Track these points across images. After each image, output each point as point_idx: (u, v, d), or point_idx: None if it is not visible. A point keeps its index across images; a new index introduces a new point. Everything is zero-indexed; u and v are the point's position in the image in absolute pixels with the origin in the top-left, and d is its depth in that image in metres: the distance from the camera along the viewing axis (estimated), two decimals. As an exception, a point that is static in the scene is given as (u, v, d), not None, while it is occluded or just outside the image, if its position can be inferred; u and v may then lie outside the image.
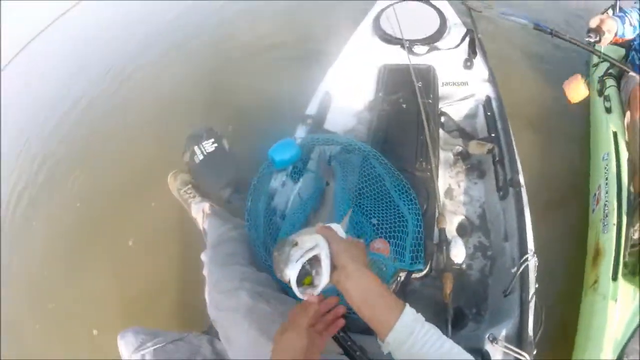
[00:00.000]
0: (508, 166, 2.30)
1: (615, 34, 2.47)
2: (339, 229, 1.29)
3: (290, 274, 1.10)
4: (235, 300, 1.60)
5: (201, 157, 2.39)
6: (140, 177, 3.28)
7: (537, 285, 1.83)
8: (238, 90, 3.87)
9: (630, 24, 2.52)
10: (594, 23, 2.42)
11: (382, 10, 3.11)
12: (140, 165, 3.38)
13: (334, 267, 1.13)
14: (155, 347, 1.56)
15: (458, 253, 1.94)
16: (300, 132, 2.47)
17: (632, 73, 2.95)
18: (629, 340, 1.99)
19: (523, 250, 1.92)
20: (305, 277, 1.14)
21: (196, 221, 2.34)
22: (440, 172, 2.46)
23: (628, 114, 2.81)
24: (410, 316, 1.06)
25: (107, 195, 3.29)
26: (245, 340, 1.52)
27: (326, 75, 2.84)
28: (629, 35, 2.57)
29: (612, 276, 2.16)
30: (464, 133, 2.60)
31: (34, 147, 4.03)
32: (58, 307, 2.69)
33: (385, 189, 2.01)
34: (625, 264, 2.30)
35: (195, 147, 2.42)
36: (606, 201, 2.51)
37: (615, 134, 2.79)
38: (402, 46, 2.75)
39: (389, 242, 1.81)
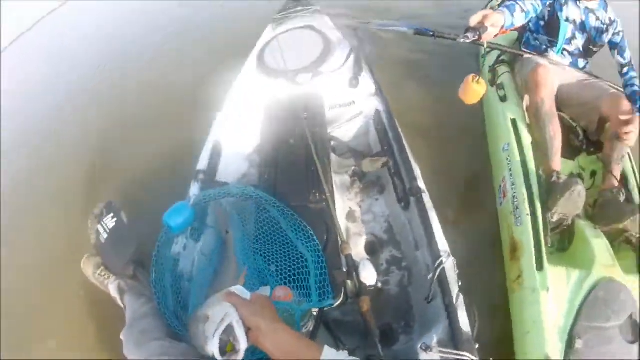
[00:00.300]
0: (405, 176, 2.31)
1: (503, 27, 2.44)
2: (241, 290, 1.30)
3: (212, 349, 1.14)
4: None
5: (105, 235, 2.30)
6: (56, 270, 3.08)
7: (460, 284, 1.85)
8: (127, 158, 3.80)
9: (522, 10, 2.55)
10: (474, 21, 2.31)
11: (266, 45, 3.12)
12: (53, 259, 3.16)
13: (248, 329, 1.16)
14: None
15: (368, 275, 1.91)
16: (194, 190, 2.40)
17: (527, 55, 3.10)
18: (575, 322, 2.01)
19: (435, 254, 1.95)
20: (227, 345, 1.15)
21: (116, 300, 2.27)
22: (339, 197, 2.45)
23: (527, 97, 2.90)
24: (330, 353, 1.09)
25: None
26: None
27: (214, 123, 2.78)
28: (520, 22, 2.58)
29: (537, 267, 2.16)
30: (355, 153, 2.61)
31: None
32: None
33: (282, 231, 1.98)
34: (552, 244, 2.39)
35: (99, 226, 2.34)
36: (514, 193, 2.53)
37: (514, 121, 2.83)
38: (286, 78, 2.75)
39: (291, 285, 1.78)
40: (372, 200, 2.57)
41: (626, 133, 2.52)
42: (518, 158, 2.63)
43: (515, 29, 3.06)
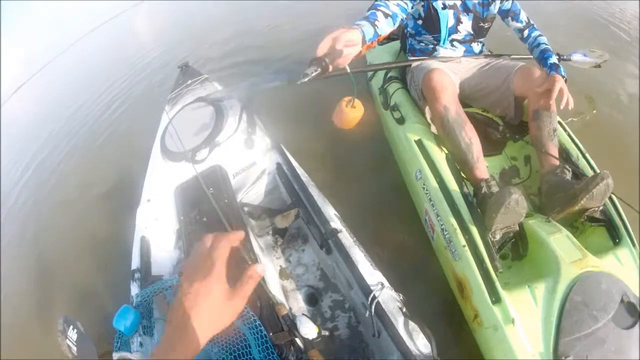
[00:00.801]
0: (318, 221, 2.33)
1: (365, 41, 2.07)
2: None
3: None
4: None
5: (75, 348, 2.30)
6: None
7: (404, 310, 1.88)
8: (68, 271, 3.80)
9: (386, 15, 2.29)
10: (322, 48, 1.86)
11: (165, 129, 3.13)
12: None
13: None
14: None
15: (307, 330, 1.92)
16: (134, 290, 2.42)
17: (414, 63, 2.92)
18: (556, 341, 1.81)
19: (366, 290, 1.97)
20: None
21: None
22: (266, 259, 2.48)
23: (427, 108, 2.65)
24: None
25: None
26: None
27: (136, 219, 2.77)
28: (388, 28, 2.29)
29: (493, 300, 1.96)
30: (270, 212, 2.63)
31: None
32: None
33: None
34: (505, 256, 2.28)
35: (67, 341, 2.34)
36: (442, 225, 2.31)
37: (419, 143, 2.64)
38: (186, 159, 2.75)
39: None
40: (299, 253, 2.60)
41: (551, 102, 2.35)
42: (435, 184, 2.40)
43: (395, 33, 3.05)
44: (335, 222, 2.31)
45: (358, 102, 2.11)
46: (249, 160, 2.82)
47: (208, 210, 2.47)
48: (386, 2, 2.37)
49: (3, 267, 3.97)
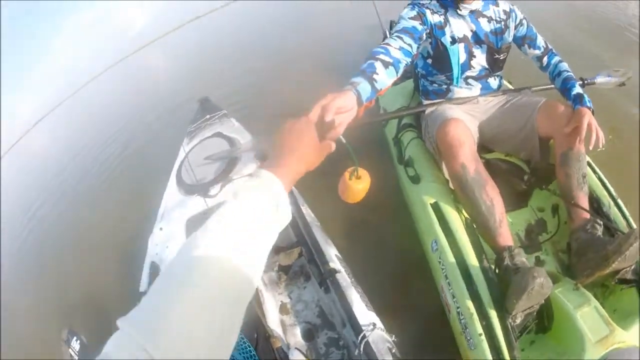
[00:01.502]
0: (319, 260, 2.40)
1: (361, 102, 1.62)
2: None
3: None
4: None
5: (77, 358, 2.42)
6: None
7: (393, 350, 1.92)
8: (73, 288, 3.98)
9: (387, 65, 1.90)
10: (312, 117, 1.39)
11: (182, 161, 3.24)
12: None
13: None
14: None
15: None
16: None
17: (429, 109, 2.62)
18: None
19: (357, 329, 2.02)
20: None
21: None
22: (269, 294, 2.54)
23: (444, 166, 2.43)
24: None
25: None
26: None
27: (148, 246, 2.85)
28: (389, 80, 1.91)
29: None
30: (275, 248, 2.54)
31: None
32: None
33: None
34: (528, 330, 2.03)
35: (70, 351, 2.44)
36: (458, 308, 2.09)
37: (435, 206, 2.39)
38: (200, 193, 2.83)
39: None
40: (301, 290, 2.64)
41: (581, 140, 2.14)
42: (452, 258, 2.17)
43: (404, 74, 2.56)
44: (335, 263, 2.37)
45: (363, 172, 1.69)
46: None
47: None
48: (386, 47, 2.02)
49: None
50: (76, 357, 2.44)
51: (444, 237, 2.25)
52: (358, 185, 1.76)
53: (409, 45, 2.13)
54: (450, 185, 2.44)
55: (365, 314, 2.09)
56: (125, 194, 5.26)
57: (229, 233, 0.76)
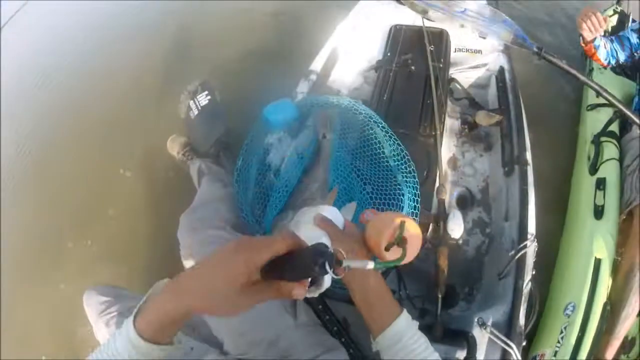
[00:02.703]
0: (516, 142, 2.14)
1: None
2: (336, 214, 1.19)
3: None
4: None
5: (196, 111, 2.30)
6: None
7: (534, 272, 1.71)
8: (233, 43, 3.67)
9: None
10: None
11: None
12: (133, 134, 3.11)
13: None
14: (121, 311, 1.42)
15: (455, 227, 1.77)
16: (302, 88, 2.34)
17: None
18: None
19: (523, 233, 1.80)
20: None
21: (193, 179, 2.24)
22: (445, 139, 2.36)
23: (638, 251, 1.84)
24: (403, 322, 1.02)
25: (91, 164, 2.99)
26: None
27: (335, 31, 2.68)
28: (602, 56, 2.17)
29: None
30: (473, 102, 2.47)
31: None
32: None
33: (383, 156, 1.84)
34: None
35: (191, 102, 2.33)
36: None
37: (599, 263, 1.91)
38: (417, 10, 2.49)
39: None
40: (477, 155, 2.44)
41: None
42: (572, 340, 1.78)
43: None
44: (529, 154, 2.09)
45: (412, 225, 1.00)
46: (477, 46, 2.63)
47: (420, 62, 2.35)
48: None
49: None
50: (196, 111, 2.30)
51: (586, 303, 1.84)
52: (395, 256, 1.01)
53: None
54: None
55: (532, 222, 1.83)
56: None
57: None
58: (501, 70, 2.52)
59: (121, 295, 1.52)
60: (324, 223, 1.10)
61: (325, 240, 1.05)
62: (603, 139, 2.34)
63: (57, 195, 2.79)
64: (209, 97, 2.31)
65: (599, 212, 2.05)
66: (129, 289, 1.62)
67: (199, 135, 2.34)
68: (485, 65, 2.64)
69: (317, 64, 2.50)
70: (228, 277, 0.69)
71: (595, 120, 2.53)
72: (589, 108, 2.62)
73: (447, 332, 1.57)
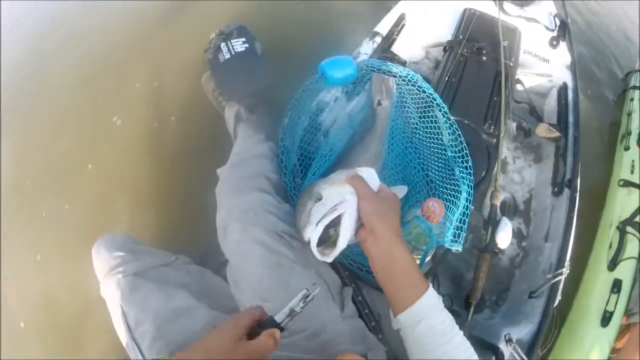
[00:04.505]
0: (570, 165, 2.08)
1: None
2: (372, 175, 1.17)
3: (310, 236, 1.05)
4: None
5: (228, 55, 1.96)
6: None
7: (560, 298, 1.69)
8: None
9: None
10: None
11: None
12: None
13: (360, 225, 1.02)
14: (136, 271, 1.27)
15: (504, 237, 1.70)
16: (365, 49, 2.21)
17: None
18: None
19: (562, 258, 1.77)
20: (328, 239, 1.05)
21: (228, 123, 2.04)
22: (505, 141, 2.25)
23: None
24: (429, 301, 0.97)
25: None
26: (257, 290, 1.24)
27: None
28: None
29: None
30: (532, 110, 2.39)
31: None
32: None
33: (442, 144, 1.67)
34: None
35: (223, 44, 2.00)
36: None
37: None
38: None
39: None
40: (526, 164, 2.36)
41: None
42: None
43: None
44: (578, 181, 2.04)
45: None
46: (545, 55, 2.55)
47: (491, 55, 2.24)
48: None
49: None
50: (226, 55, 1.96)
51: None
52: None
53: None
54: None
55: (570, 250, 1.81)
56: None
57: None
58: (564, 86, 2.44)
59: (138, 251, 1.36)
60: (355, 180, 1.07)
61: (350, 197, 1.03)
62: (629, 229, 2.19)
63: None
64: (246, 45, 2.04)
65: (606, 319, 1.94)
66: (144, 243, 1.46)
67: (229, 82, 2.03)
68: (550, 75, 2.54)
69: (383, 27, 2.39)
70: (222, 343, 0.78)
71: (625, 202, 2.34)
72: (621, 183, 2.42)
73: (472, 338, 1.51)
